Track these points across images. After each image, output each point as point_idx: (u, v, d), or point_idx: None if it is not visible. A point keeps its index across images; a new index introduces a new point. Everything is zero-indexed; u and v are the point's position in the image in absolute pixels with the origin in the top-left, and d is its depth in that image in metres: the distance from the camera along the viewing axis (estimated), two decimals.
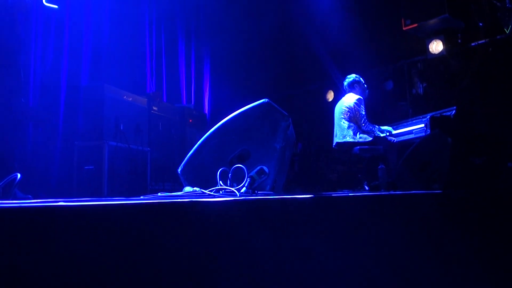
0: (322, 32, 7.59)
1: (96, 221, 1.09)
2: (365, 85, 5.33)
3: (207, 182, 2.38)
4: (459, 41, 6.25)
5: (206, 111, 8.23)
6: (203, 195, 2.11)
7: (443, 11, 5.83)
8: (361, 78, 5.31)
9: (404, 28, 6.28)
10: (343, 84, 5.45)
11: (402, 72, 7.09)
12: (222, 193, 2.15)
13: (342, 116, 5.07)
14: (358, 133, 4.98)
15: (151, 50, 7.39)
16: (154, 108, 6.04)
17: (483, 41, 6.05)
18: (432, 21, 6.02)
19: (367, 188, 4.92)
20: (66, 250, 1.03)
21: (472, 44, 6.16)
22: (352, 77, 5.31)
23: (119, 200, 1.31)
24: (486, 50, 6.03)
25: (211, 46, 8.63)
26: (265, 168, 2.30)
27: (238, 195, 2.08)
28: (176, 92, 7.78)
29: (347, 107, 5.07)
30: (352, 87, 5.27)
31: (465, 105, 5.65)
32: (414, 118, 5.39)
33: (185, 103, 7.73)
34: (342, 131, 5.04)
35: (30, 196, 3.29)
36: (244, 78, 8.20)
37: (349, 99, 5.14)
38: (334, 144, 5.19)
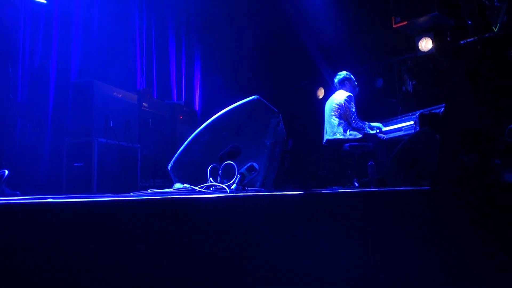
0: (312, 28, 7.60)
1: (86, 218, 1.09)
2: (356, 82, 5.36)
3: (197, 178, 2.37)
4: (449, 38, 6.30)
5: (197, 108, 8.21)
6: (193, 191, 2.11)
7: (432, 9, 5.87)
8: (351, 75, 5.33)
9: (394, 26, 6.31)
10: (333, 81, 5.47)
11: (392, 69, 7.12)
12: (212, 190, 2.16)
13: (333, 113, 5.09)
14: (348, 130, 5.00)
15: (141, 46, 7.34)
16: (144, 104, 6.01)
17: (472, 39, 6.10)
18: (422, 19, 6.05)
19: (357, 184, 4.95)
20: (55, 247, 1.02)
21: (461, 42, 6.21)
22: (342, 74, 5.34)
23: (109, 197, 1.31)
24: (475, 48, 6.08)
25: (202, 42, 8.61)
26: (255, 164, 2.31)
27: (228, 191, 2.08)
28: (166, 89, 7.74)
29: (337, 104, 5.09)
30: (342, 84, 5.30)
31: (454, 102, 5.69)
32: (404, 115, 5.43)
33: (175, 100, 7.71)
34: (332, 128, 5.06)
35: (18, 192, 3.25)
36: (234, 74, 8.19)
37: (340, 96, 5.16)
38: (324, 141, 5.21)
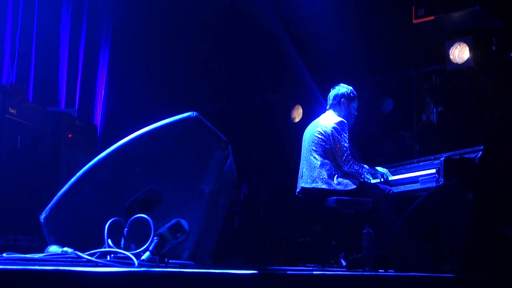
0: (289, 16, 7.71)
1: None
2: (356, 106, 5.35)
3: (88, 239, 2.33)
4: (494, 48, 6.54)
5: (98, 122, 8.13)
6: (78, 260, 2.08)
7: (473, 2, 6.07)
8: (356, 94, 5.30)
9: (414, 21, 6.49)
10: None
11: (408, 87, 7.31)
12: (111, 260, 2.13)
13: (314, 147, 5.14)
14: (336, 176, 5.06)
15: (15, 18, 7.24)
16: (11, 110, 5.89)
17: None
18: (457, 15, 6.26)
19: (344, 263, 4.98)
20: None
21: None
22: (343, 88, 5.23)
23: None
24: None
25: (115, 18, 8.56)
26: (183, 222, 2.30)
27: (136, 264, 2.05)
28: (50, 89, 7.63)
29: (322, 134, 5.13)
30: (337, 102, 5.25)
31: (498, 144, 5.89)
32: (422, 159, 5.56)
33: (63, 107, 7.60)
34: (312, 171, 5.11)
35: None
36: (163, 76, 8.19)
37: (327, 121, 5.20)
38: (298, 189, 5.25)
